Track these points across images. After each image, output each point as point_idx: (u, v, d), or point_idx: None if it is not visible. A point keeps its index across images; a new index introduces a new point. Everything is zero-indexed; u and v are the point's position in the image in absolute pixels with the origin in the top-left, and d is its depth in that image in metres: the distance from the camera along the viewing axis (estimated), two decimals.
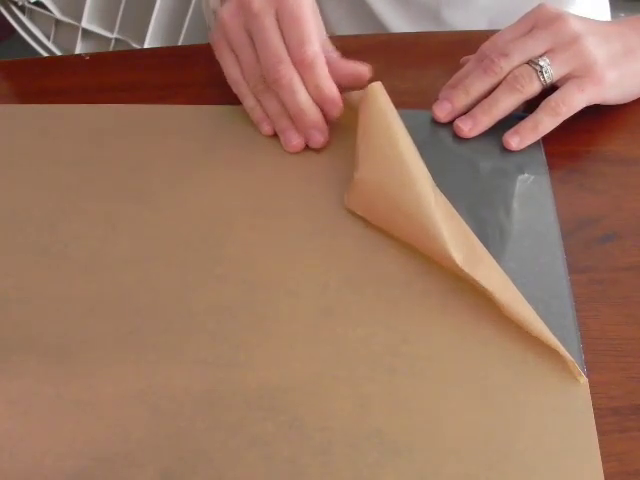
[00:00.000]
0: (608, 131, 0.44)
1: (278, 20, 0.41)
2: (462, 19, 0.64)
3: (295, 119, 0.42)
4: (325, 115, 0.42)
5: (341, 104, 0.42)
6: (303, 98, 0.41)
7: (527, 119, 0.42)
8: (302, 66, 0.41)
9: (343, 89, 0.42)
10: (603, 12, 0.71)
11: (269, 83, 0.42)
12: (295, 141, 0.43)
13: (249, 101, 0.44)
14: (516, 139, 0.42)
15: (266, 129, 0.44)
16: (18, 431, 0.30)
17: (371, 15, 0.67)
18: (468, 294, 0.33)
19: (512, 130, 0.42)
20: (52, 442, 0.29)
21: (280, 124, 0.43)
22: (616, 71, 0.41)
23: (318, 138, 0.42)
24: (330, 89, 0.41)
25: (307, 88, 0.41)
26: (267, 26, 0.41)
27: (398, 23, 0.66)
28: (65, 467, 0.29)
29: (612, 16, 0.73)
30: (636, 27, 0.43)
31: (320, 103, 0.42)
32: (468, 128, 0.43)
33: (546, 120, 0.41)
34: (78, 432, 0.30)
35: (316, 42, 0.41)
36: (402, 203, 0.36)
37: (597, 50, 0.41)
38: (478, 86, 0.43)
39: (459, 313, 0.33)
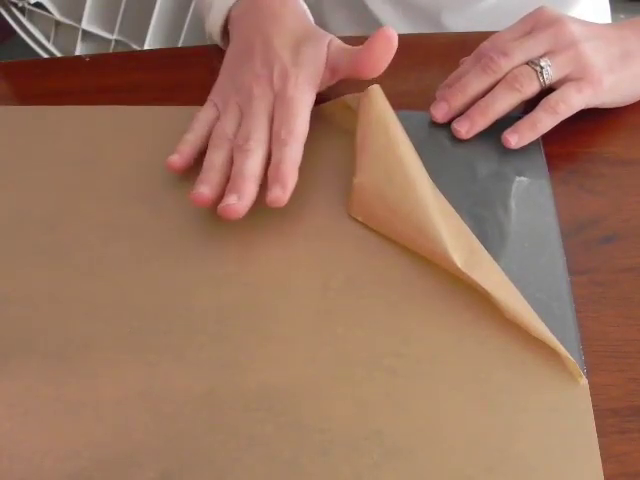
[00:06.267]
0: (608, 132, 0.44)
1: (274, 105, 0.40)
2: (462, 24, 0.64)
3: (232, 178, 0.38)
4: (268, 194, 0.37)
5: (285, 198, 0.36)
6: (254, 165, 0.38)
7: (526, 117, 0.42)
8: (277, 142, 0.38)
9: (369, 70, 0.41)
10: (604, 14, 0.71)
11: (235, 143, 0.39)
12: (208, 196, 0.37)
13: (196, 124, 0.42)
14: (515, 137, 0.42)
15: (174, 162, 0.40)
16: (18, 432, 0.30)
17: (371, 19, 0.67)
18: (468, 295, 0.33)
19: (511, 128, 0.42)
20: (52, 443, 0.29)
21: (211, 177, 0.38)
22: (614, 75, 0.41)
23: (235, 204, 0.36)
24: (289, 169, 0.37)
25: (271, 159, 0.38)
26: (259, 106, 0.40)
27: (399, 28, 0.66)
28: (65, 468, 0.29)
29: (612, 18, 0.73)
30: (636, 30, 0.43)
31: (272, 179, 0.37)
32: (465, 130, 0.43)
33: (545, 118, 0.41)
34: (78, 433, 0.30)
35: (301, 141, 0.39)
36: (401, 208, 0.36)
37: (595, 54, 0.41)
38: (476, 85, 0.43)
39: (459, 314, 0.33)
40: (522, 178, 0.40)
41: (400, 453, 0.28)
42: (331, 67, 0.42)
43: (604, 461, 0.28)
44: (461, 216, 0.37)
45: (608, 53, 0.42)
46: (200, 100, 0.44)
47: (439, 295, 0.34)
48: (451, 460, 0.28)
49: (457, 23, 0.65)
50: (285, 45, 0.42)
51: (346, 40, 0.43)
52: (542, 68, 0.41)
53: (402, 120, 0.40)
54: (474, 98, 0.43)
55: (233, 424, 0.30)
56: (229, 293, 0.35)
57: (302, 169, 0.38)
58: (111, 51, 1.30)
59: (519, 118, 0.42)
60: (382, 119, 0.39)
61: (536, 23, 0.43)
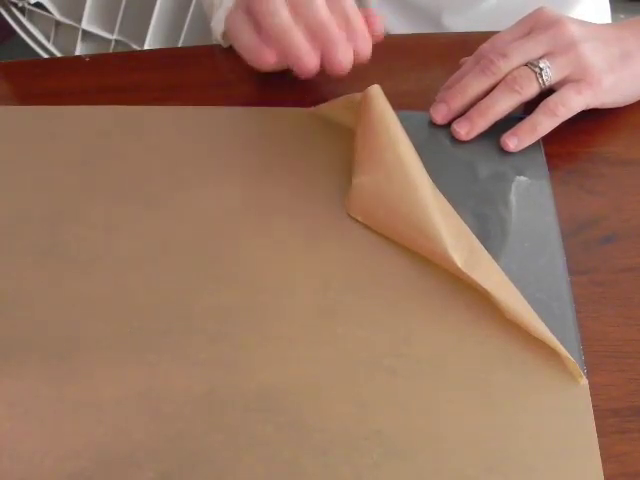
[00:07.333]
0: (608, 132, 0.44)
1: None
2: (462, 25, 0.64)
3: (316, 35, 0.39)
4: (355, 55, 0.40)
5: (371, 42, 0.40)
6: (324, 13, 0.39)
7: (525, 120, 0.42)
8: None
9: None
10: (604, 14, 0.71)
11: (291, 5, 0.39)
12: (313, 62, 0.39)
13: (245, 30, 0.41)
14: (514, 141, 0.42)
15: (267, 55, 0.41)
16: (18, 432, 0.30)
17: None
18: (468, 295, 0.33)
19: (510, 132, 0.42)
20: (52, 443, 0.29)
21: (297, 47, 0.39)
22: (613, 75, 0.42)
23: (337, 55, 0.39)
24: (361, 23, 0.39)
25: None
26: None
27: (399, 29, 0.66)
28: (65, 468, 0.29)
29: (612, 18, 0.73)
30: (635, 31, 0.43)
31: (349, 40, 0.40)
32: (465, 131, 0.43)
33: (544, 121, 0.41)
34: (78, 433, 0.30)
35: None
36: (401, 207, 0.36)
37: (594, 55, 0.41)
38: (475, 86, 0.43)
39: (459, 314, 0.33)
40: (522, 178, 0.40)
41: (400, 453, 0.28)
42: None
43: (604, 461, 0.28)
44: (461, 216, 0.37)
45: (607, 53, 0.42)
46: (200, 100, 0.44)
47: (439, 295, 0.34)
48: (451, 460, 0.28)
49: (457, 23, 0.65)
50: None
51: None
52: (541, 69, 0.41)
53: (402, 120, 0.40)
54: (473, 100, 0.43)
55: (233, 424, 0.30)
56: (229, 293, 0.35)
57: (302, 169, 0.38)
58: (111, 51, 1.30)
59: (520, 119, 0.42)
60: (382, 119, 0.39)
61: (535, 24, 0.43)
